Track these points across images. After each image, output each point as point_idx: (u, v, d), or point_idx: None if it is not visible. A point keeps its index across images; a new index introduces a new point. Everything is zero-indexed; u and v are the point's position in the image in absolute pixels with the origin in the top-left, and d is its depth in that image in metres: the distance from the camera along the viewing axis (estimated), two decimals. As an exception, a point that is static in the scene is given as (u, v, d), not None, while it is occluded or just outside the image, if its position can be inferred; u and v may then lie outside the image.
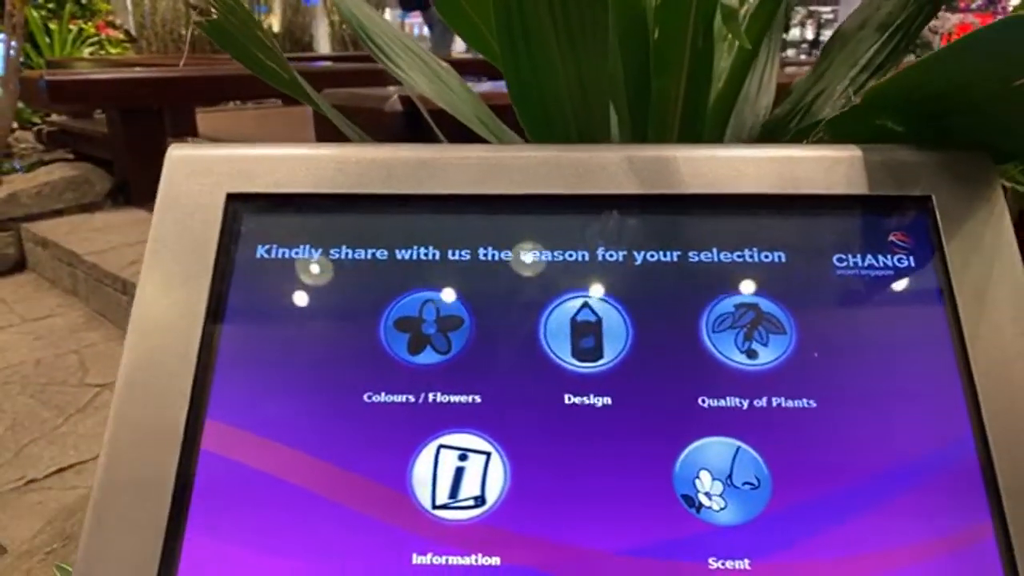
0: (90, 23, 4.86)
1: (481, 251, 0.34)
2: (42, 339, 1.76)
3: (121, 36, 5.06)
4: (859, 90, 0.54)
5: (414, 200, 0.34)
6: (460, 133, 0.66)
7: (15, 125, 3.78)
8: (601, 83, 0.50)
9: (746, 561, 0.29)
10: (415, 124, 1.01)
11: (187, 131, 3.11)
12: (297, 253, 0.34)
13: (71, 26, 4.56)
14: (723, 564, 0.29)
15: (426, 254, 0.34)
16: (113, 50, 4.85)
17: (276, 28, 5.63)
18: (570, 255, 0.34)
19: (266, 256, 0.34)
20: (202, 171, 0.35)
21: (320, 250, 0.34)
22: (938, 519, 0.29)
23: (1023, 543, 0.28)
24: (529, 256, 0.34)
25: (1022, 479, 0.29)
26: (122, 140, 2.32)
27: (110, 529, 0.29)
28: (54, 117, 3.56)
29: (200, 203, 0.34)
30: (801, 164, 0.34)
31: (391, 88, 1.06)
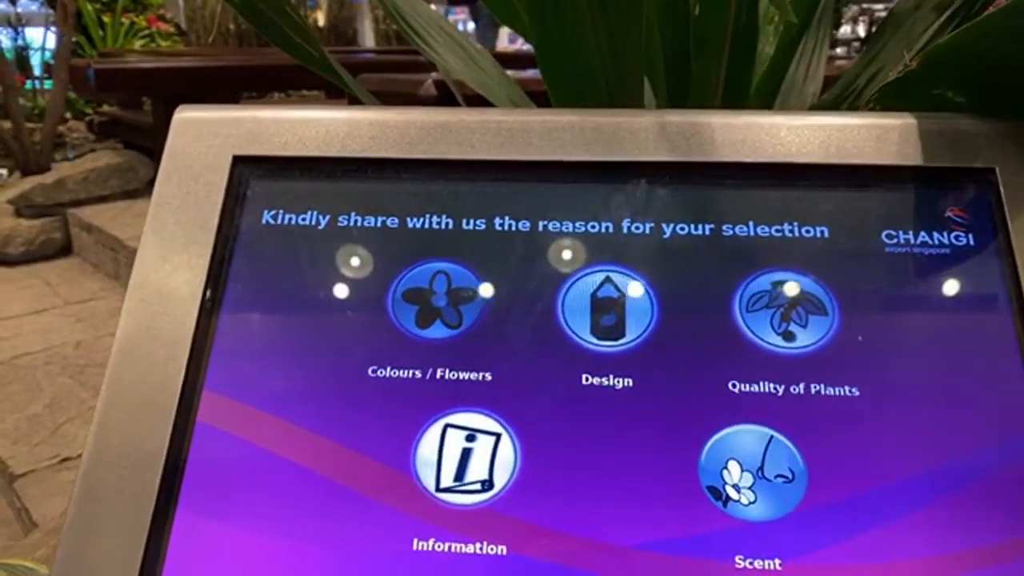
0: (141, 16, 4.97)
1: (497, 220, 0.32)
2: (83, 321, 1.80)
3: (171, 29, 5.16)
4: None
5: (428, 165, 0.32)
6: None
7: (68, 115, 3.88)
8: (636, 55, 0.47)
9: (776, 561, 0.26)
10: (449, 109, 0.99)
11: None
12: (304, 220, 0.32)
13: (123, 19, 4.66)
14: (751, 563, 0.26)
15: (439, 223, 0.32)
16: (163, 43, 4.95)
17: (321, 22, 5.68)
18: (593, 226, 0.31)
19: (272, 222, 0.32)
20: (209, 133, 0.33)
21: (328, 217, 0.32)
22: (989, 528, 0.26)
23: (1093, 553, 0.25)
24: (548, 227, 0.31)
25: (1093, 482, 0.26)
26: (165, 129, 2.34)
27: (98, 502, 0.28)
28: (105, 108, 3.64)
29: (205, 165, 0.33)
30: (849, 132, 0.31)
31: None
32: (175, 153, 0.33)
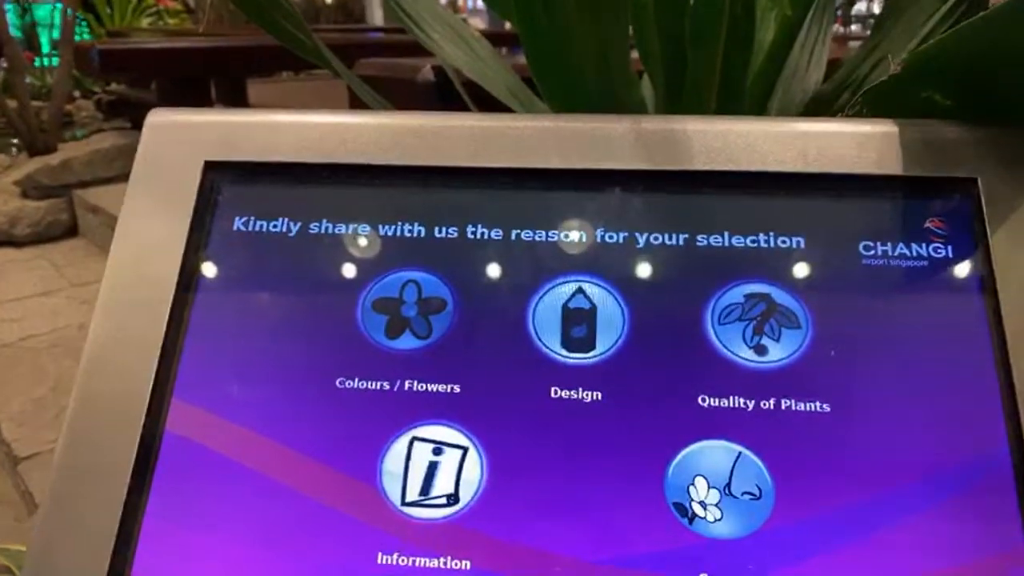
0: (149, -6, 4.94)
1: (469, 228, 0.31)
2: (89, 304, 1.81)
3: (179, 7, 5.14)
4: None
5: (401, 172, 0.32)
6: (493, 105, 0.63)
7: (76, 94, 3.88)
8: (623, 51, 0.46)
9: (741, 579, 0.26)
10: (447, 95, 0.98)
11: (237, 101, 3.15)
12: (275, 226, 0.32)
13: (131, -3, 4.64)
14: (715, 581, 0.26)
15: (411, 230, 0.31)
16: (171, 20, 4.93)
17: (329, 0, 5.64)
18: (566, 235, 0.31)
19: (243, 228, 0.32)
20: (181, 138, 0.33)
21: (299, 224, 0.32)
22: (963, 544, 0.26)
23: (1061, 576, 0.25)
24: (521, 235, 0.31)
25: (1064, 503, 0.26)
26: (171, 109, 2.34)
27: (65, 512, 0.28)
28: (113, 86, 3.64)
29: (177, 171, 0.32)
30: (828, 140, 0.31)
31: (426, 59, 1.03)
32: (146, 158, 0.33)
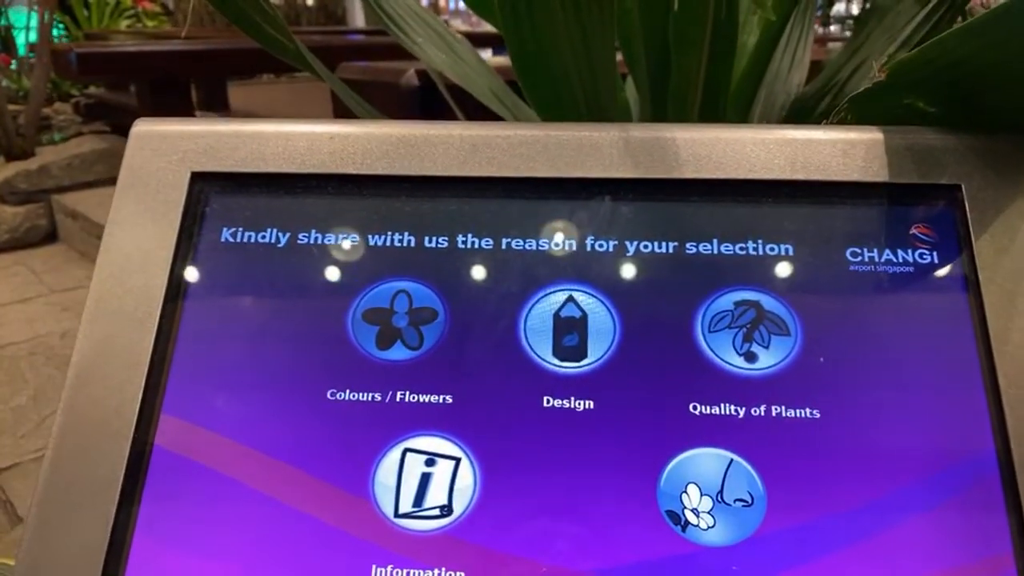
0: (127, -4, 4.89)
1: (460, 238, 0.31)
2: (69, 311, 1.78)
3: (158, 9, 5.09)
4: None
5: (390, 181, 0.32)
6: (477, 109, 0.63)
7: (54, 97, 3.83)
8: (608, 57, 0.47)
9: (734, 586, 0.26)
10: (431, 99, 0.98)
11: (218, 104, 3.12)
12: (264, 237, 0.32)
13: (108, -1, 4.59)
14: (709, 589, 0.26)
15: (400, 240, 0.31)
16: (150, 23, 4.88)
17: (310, 1, 5.61)
18: (556, 244, 0.31)
19: (231, 240, 0.32)
20: (167, 148, 0.33)
21: (288, 234, 0.32)
22: (952, 546, 0.26)
23: (1048, 577, 0.25)
24: (512, 244, 0.31)
25: (1050, 506, 0.26)
26: (150, 113, 2.32)
27: (53, 529, 0.27)
28: (92, 89, 3.60)
29: (163, 182, 0.32)
30: (814, 148, 0.31)
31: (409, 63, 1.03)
32: (132, 169, 0.32)
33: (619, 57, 0.56)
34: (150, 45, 2.35)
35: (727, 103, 0.55)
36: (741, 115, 0.60)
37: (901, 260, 0.30)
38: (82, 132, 3.01)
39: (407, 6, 0.63)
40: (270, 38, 0.47)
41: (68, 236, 2.29)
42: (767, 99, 0.63)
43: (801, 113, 0.59)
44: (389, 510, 0.27)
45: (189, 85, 2.44)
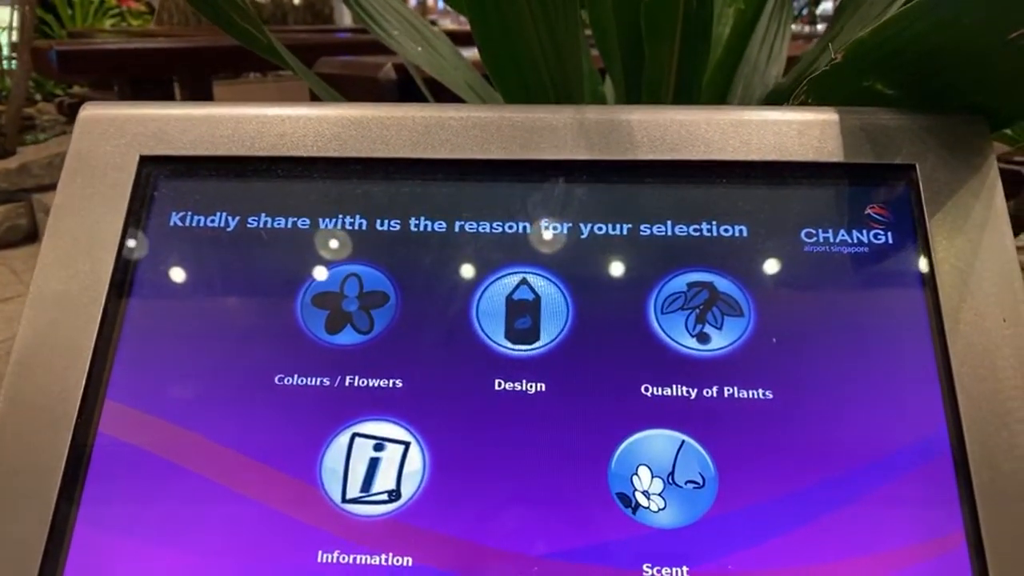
0: (111, -6, 4.85)
1: (412, 221, 0.31)
2: (50, 310, 1.76)
3: (142, 8, 5.05)
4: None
5: (341, 164, 0.31)
6: (454, 102, 0.63)
7: (38, 97, 3.80)
8: (575, 44, 0.46)
9: (684, 569, 0.26)
10: (409, 94, 0.97)
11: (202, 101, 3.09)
12: (213, 221, 0.31)
13: (92, -3, 4.55)
14: (659, 571, 0.26)
15: (352, 223, 0.31)
16: (135, 22, 4.84)
17: (296, 0, 5.58)
18: (510, 227, 0.31)
19: (180, 224, 0.31)
20: (115, 132, 0.32)
21: (237, 218, 0.31)
22: (903, 527, 0.26)
23: (997, 553, 0.25)
24: (465, 227, 0.31)
25: (999, 482, 0.26)
26: (134, 111, 2.29)
27: (-8, 517, 0.27)
28: (75, 89, 3.57)
29: (111, 165, 0.31)
30: (768, 128, 0.31)
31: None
32: (79, 153, 0.32)
33: (595, 52, 0.55)
34: (132, 43, 2.33)
35: (701, 94, 0.54)
36: (716, 104, 0.60)
37: (856, 240, 0.30)
38: (66, 132, 2.99)
39: (384, 1, 0.63)
40: (244, 32, 0.47)
41: (50, 236, 2.26)
42: (743, 91, 0.63)
43: (777, 104, 0.59)
44: (336, 495, 0.27)
45: (172, 84, 2.42)
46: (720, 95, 0.60)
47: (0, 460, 0.28)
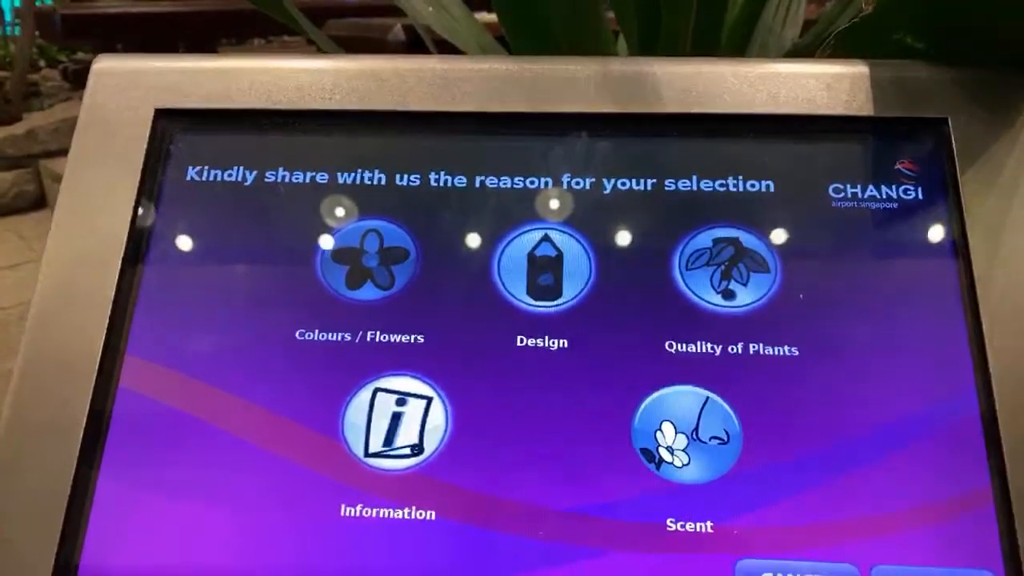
0: (114, -42, 4.78)
1: (432, 176, 0.30)
2: (59, 276, 1.77)
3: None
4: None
5: (359, 117, 0.31)
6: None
7: (42, 63, 3.77)
8: (591, 5, 0.45)
9: (708, 524, 0.26)
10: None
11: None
12: (230, 175, 0.31)
13: (95, -39, 4.49)
14: (683, 526, 0.26)
15: (371, 178, 0.30)
16: (138, -14, 4.78)
17: (301, -36, 5.50)
18: (531, 182, 0.30)
19: (196, 178, 0.31)
20: (129, 85, 0.31)
21: (255, 172, 0.31)
22: (930, 484, 0.26)
23: (1025, 513, 0.25)
24: (485, 182, 0.30)
25: (1029, 441, 0.25)
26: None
27: (15, 474, 0.27)
28: (80, 55, 3.54)
29: (126, 120, 0.31)
30: (797, 81, 0.30)
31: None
32: (93, 107, 0.31)
33: (611, 15, 0.54)
34: (136, 7, 2.31)
35: (718, 56, 0.53)
36: (731, 66, 0.58)
37: (885, 196, 0.29)
38: (70, 98, 2.97)
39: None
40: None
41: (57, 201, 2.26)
42: (760, 53, 0.62)
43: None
44: (359, 450, 0.27)
45: (177, 48, 2.39)
46: (738, 55, 0.59)
47: (21, 417, 0.28)
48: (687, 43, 0.51)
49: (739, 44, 0.60)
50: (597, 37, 0.49)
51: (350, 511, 0.26)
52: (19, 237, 2.08)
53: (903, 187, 0.29)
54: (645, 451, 0.26)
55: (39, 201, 2.32)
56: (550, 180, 0.30)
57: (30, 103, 2.82)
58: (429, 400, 0.27)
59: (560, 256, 0.29)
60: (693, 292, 0.28)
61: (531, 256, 0.29)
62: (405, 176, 0.30)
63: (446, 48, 0.64)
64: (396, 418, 0.27)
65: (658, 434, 0.27)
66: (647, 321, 0.28)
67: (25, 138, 2.33)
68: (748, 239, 0.29)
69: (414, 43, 0.94)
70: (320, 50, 0.58)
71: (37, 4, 2.61)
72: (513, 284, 0.29)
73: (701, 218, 0.29)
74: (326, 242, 0.30)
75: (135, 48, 2.28)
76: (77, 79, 3.38)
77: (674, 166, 0.30)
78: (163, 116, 0.31)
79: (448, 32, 0.60)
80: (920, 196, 0.29)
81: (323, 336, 0.28)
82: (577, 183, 0.30)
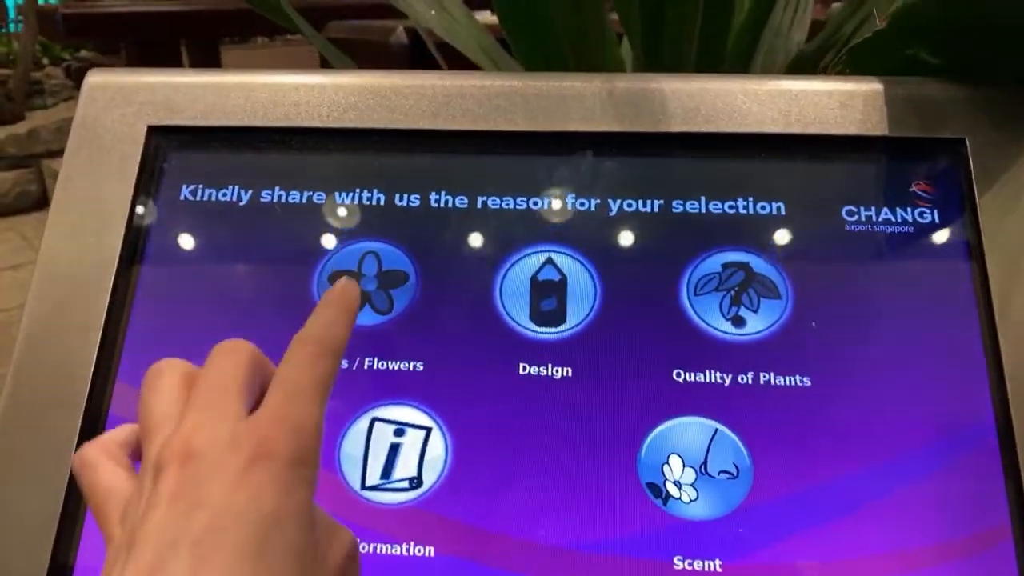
0: (118, -44, 4.77)
1: (433, 196, 0.29)
2: (61, 276, 1.76)
3: (149, -30, 4.97)
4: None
5: (358, 135, 0.30)
6: (467, 67, 0.61)
7: (45, 61, 3.77)
8: (595, 7, 0.44)
9: (717, 562, 0.25)
10: (421, 58, 0.95)
11: (211, 67, 3.06)
12: (225, 195, 0.30)
13: (98, -42, 4.48)
14: (690, 564, 0.25)
15: (369, 198, 0.30)
16: (141, -16, 4.77)
17: (304, -38, 5.50)
18: (535, 203, 0.29)
19: (191, 197, 0.30)
20: (122, 100, 0.31)
21: (251, 192, 0.30)
22: (946, 521, 0.25)
23: (1047, 552, 0.24)
24: (488, 203, 0.29)
25: (1051, 478, 0.25)
26: (141, 76, 2.26)
27: (3, 504, 0.26)
28: (83, 53, 3.53)
29: (118, 136, 0.30)
30: (809, 99, 0.29)
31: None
32: (85, 122, 0.30)
33: (614, 16, 0.53)
34: (138, 6, 2.30)
35: (723, 60, 0.52)
36: (739, 72, 0.57)
37: (900, 219, 0.28)
38: (73, 97, 2.96)
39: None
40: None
41: (60, 202, 2.25)
42: (766, 57, 0.61)
43: (801, 71, 0.57)
44: (356, 482, 0.26)
45: (180, 48, 2.39)
46: (745, 59, 0.58)
47: (8, 441, 0.27)
48: (692, 44, 0.50)
49: (746, 48, 0.58)
50: (600, 39, 0.48)
51: (346, 546, 0.25)
52: (21, 237, 2.07)
53: (919, 210, 0.28)
54: (652, 485, 0.25)
55: (41, 201, 2.32)
56: (554, 201, 0.29)
57: (33, 101, 2.82)
58: (428, 430, 0.27)
59: (564, 280, 0.28)
60: (702, 319, 0.27)
61: (534, 280, 0.28)
62: (405, 196, 0.29)
63: (449, 51, 0.63)
64: (394, 449, 0.26)
65: (665, 467, 0.26)
66: (654, 349, 0.27)
67: (27, 137, 2.32)
68: (758, 263, 0.28)
69: (416, 46, 0.93)
70: (320, 52, 0.57)
71: (40, 2, 2.60)
72: (515, 309, 0.28)
73: (710, 241, 0.28)
74: (323, 264, 0.29)
75: (137, 47, 2.27)
76: (81, 77, 3.38)
77: (682, 187, 0.29)
78: (156, 133, 0.30)
79: (449, 34, 0.59)
80: (936, 219, 0.28)
81: (319, 363, 0.27)
82: (582, 204, 0.29)
